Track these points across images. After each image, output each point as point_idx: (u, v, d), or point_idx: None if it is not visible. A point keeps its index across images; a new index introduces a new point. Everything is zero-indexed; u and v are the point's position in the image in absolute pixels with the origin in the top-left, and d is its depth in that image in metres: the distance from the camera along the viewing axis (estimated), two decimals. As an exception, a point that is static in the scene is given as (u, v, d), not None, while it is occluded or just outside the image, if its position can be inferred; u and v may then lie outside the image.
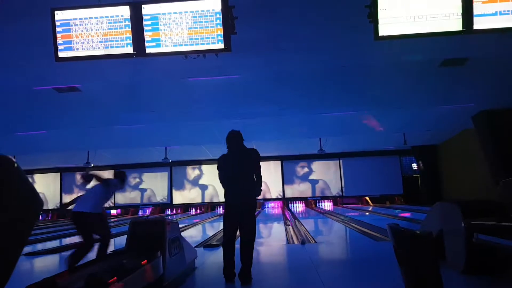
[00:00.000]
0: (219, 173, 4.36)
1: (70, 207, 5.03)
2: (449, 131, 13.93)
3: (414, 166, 19.28)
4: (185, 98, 7.57)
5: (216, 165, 4.41)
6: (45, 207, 19.22)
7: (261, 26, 4.52)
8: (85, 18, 3.71)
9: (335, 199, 20.01)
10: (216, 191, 20.18)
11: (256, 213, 4.30)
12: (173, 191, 20.61)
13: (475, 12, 3.48)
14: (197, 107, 8.32)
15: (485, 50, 5.41)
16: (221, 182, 4.36)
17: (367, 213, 14.70)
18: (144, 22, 3.67)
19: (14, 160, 1.33)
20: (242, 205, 4.11)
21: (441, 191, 16.52)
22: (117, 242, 7.99)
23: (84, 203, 4.92)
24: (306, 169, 20.11)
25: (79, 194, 5.38)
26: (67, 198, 21.16)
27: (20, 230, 1.42)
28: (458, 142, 14.23)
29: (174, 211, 20.55)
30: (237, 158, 4.26)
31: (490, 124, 9.33)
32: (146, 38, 3.70)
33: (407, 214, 12.76)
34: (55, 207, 21.13)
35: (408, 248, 1.70)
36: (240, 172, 4.18)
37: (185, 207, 20.73)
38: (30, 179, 1.49)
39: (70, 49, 3.77)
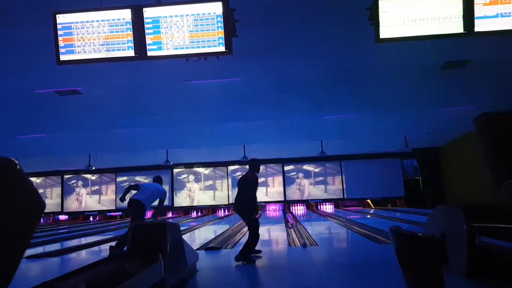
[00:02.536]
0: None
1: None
2: (451, 134, 13.91)
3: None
4: (186, 101, 7.58)
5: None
6: (46, 210, 19.22)
7: (262, 29, 4.53)
8: (87, 22, 3.72)
9: (336, 202, 19.98)
10: (217, 194, 20.18)
11: (252, 216, 5.75)
12: (174, 193, 20.60)
13: (476, 14, 3.48)
14: (198, 110, 8.33)
15: (486, 52, 5.41)
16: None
17: (368, 216, 14.67)
18: (146, 25, 3.68)
19: (16, 162, 1.33)
20: (237, 211, 5.82)
21: (443, 194, 16.48)
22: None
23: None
24: (307, 172, 20.08)
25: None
26: (68, 201, 21.17)
27: (22, 232, 1.42)
28: (460, 144, 14.20)
29: (176, 214, 20.54)
30: (242, 180, 5.88)
31: (491, 126, 9.31)
32: (148, 41, 3.70)
33: (409, 217, 12.72)
34: (56, 210, 21.14)
35: (410, 251, 1.69)
36: (239, 191, 5.79)
37: (186, 210, 20.72)
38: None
39: (71, 52, 3.77)
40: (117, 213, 21.22)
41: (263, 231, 10.62)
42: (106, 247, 8.45)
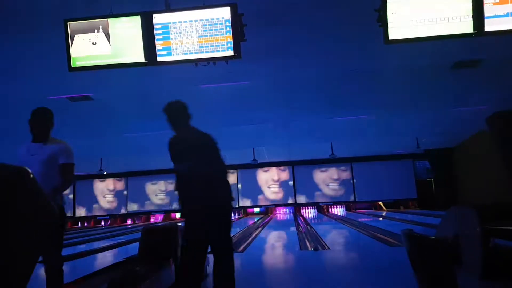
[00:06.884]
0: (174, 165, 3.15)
1: None
2: (464, 134, 13.72)
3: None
4: (196, 105, 7.54)
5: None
6: (59, 215, 19.25)
7: (270, 32, 4.54)
8: (97, 29, 3.77)
9: (347, 204, 19.81)
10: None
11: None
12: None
13: (486, 14, 3.44)
14: (208, 113, 8.35)
15: (497, 51, 5.34)
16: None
17: (380, 218, 14.52)
18: (155, 31, 3.72)
19: (30, 171, 1.35)
20: (209, 210, 2.93)
21: (456, 195, 16.24)
22: (129, 250, 8.05)
23: None
24: (317, 174, 19.98)
25: None
26: (80, 206, 21.39)
27: (35, 240, 1.44)
28: (473, 144, 14.00)
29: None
30: (189, 145, 3.09)
31: (505, 125, 9.16)
32: (157, 47, 3.74)
33: (422, 219, 12.56)
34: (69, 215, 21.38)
35: (423, 254, 1.68)
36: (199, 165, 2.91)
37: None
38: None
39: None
40: (129, 219, 21.36)
41: (274, 235, 10.59)
42: (117, 251, 8.52)
